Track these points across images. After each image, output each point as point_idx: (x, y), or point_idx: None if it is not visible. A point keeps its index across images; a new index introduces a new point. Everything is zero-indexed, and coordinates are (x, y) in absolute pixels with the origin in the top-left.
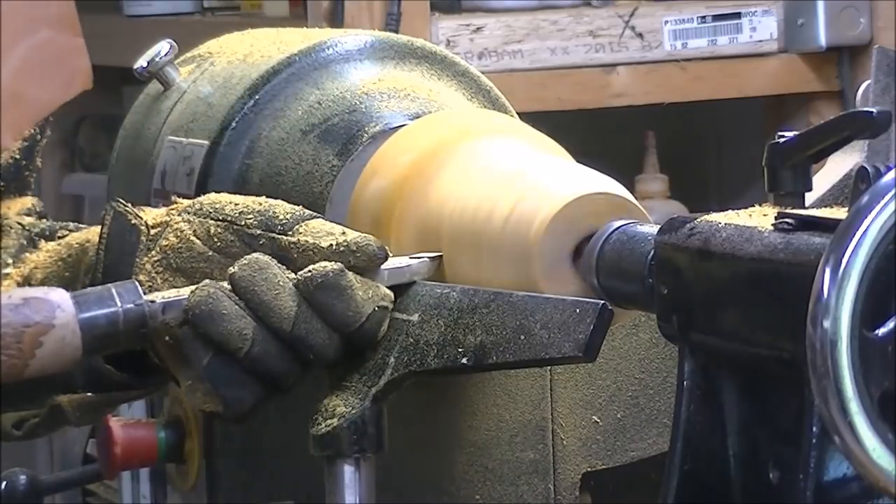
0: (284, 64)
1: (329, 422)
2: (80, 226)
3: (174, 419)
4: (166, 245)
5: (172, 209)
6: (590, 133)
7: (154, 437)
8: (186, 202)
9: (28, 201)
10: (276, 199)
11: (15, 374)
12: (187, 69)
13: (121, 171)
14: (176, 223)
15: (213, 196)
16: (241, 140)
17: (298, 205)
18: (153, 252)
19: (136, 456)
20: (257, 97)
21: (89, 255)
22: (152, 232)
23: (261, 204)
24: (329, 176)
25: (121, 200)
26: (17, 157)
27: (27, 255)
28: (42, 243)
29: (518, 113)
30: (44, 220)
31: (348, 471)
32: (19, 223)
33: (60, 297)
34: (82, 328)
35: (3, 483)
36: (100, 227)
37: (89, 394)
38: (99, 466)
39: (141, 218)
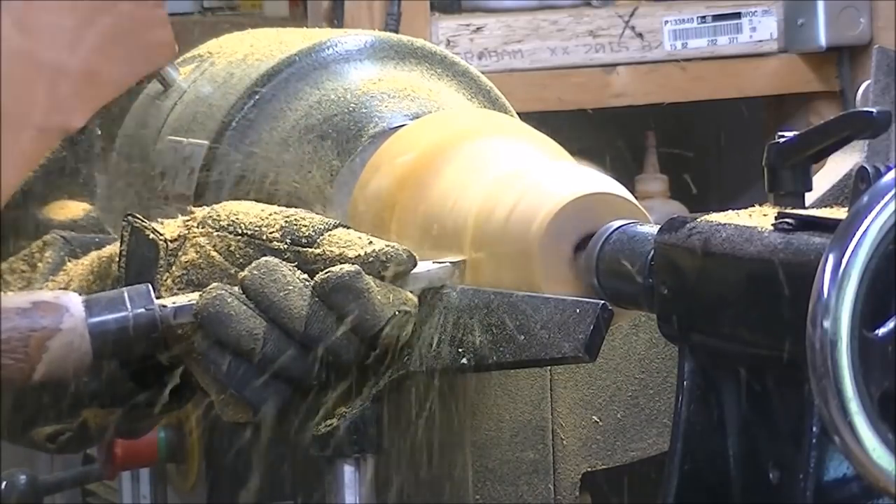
0: (284, 64)
1: (329, 422)
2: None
3: (174, 419)
4: (187, 261)
5: (189, 220)
6: (590, 133)
7: (154, 437)
8: (203, 212)
9: (79, 209)
10: (276, 199)
11: (22, 379)
12: (187, 69)
13: (121, 171)
14: (194, 237)
15: (230, 206)
16: (241, 140)
17: (299, 205)
18: (174, 268)
19: (136, 456)
20: (257, 97)
21: (114, 269)
22: (171, 246)
23: (281, 215)
24: (329, 176)
25: (137, 216)
26: (63, 154)
27: (69, 265)
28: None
29: (518, 113)
30: (91, 234)
31: (348, 471)
32: (62, 236)
33: (71, 300)
34: (92, 333)
35: (3, 483)
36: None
37: (117, 409)
38: (99, 466)
39: (159, 233)
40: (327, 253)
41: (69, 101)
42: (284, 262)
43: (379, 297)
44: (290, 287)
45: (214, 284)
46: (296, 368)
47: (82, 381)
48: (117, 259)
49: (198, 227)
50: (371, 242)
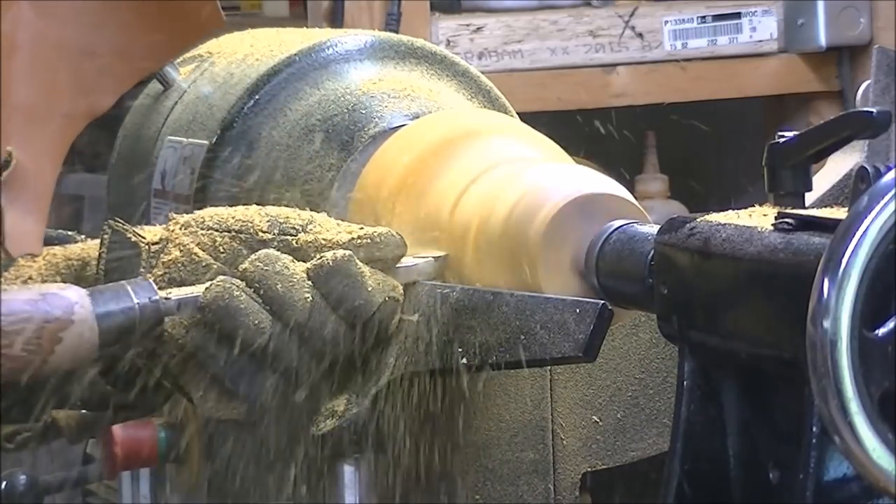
0: (284, 64)
1: (329, 422)
2: (71, 234)
3: (174, 419)
4: (169, 260)
5: (171, 225)
6: (590, 133)
7: (154, 437)
8: (185, 217)
9: None
10: (276, 199)
11: (33, 370)
12: (187, 69)
13: (121, 171)
14: (177, 237)
15: (212, 210)
16: (241, 140)
17: (299, 205)
18: (156, 269)
19: (136, 456)
20: (257, 97)
21: (88, 271)
22: (153, 249)
23: (265, 211)
24: (329, 176)
25: (118, 219)
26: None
27: (21, 261)
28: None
29: (518, 113)
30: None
31: (348, 471)
32: None
33: (77, 293)
34: (100, 324)
35: (3, 483)
36: (98, 243)
37: (85, 411)
38: (99, 466)
39: (141, 236)
40: (319, 240)
41: (96, 82)
42: (284, 254)
43: (370, 282)
44: (294, 279)
45: (221, 277)
46: (295, 362)
47: (49, 382)
48: (95, 261)
49: (180, 230)
50: (362, 228)
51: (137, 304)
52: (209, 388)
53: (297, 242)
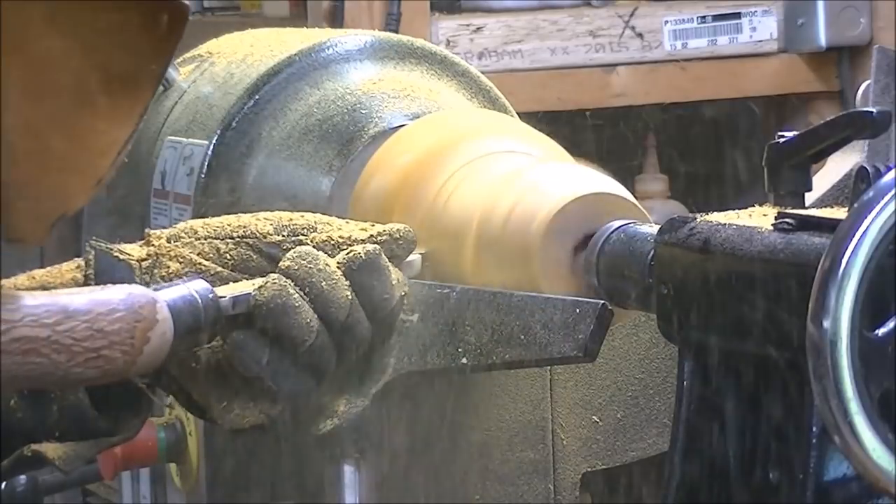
0: (284, 64)
1: (329, 422)
2: None
3: (174, 419)
4: (169, 273)
5: (152, 240)
6: (590, 133)
7: (154, 437)
8: (168, 231)
9: None
10: (275, 199)
11: (124, 372)
12: (187, 69)
13: (121, 171)
14: (170, 250)
15: (198, 221)
16: (241, 140)
17: (299, 206)
18: (153, 285)
19: (136, 456)
20: (257, 97)
21: None
22: (143, 266)
23: (262, 216)
24: (329, 176)
25: (99, 240)
26: None
27: None
28: None
29: (518, 113)
30: None
31: (348, 471)
32: None
33: (150, 290)
34: (175, 323)
35: (3, 483)
36: (57, 267)
37: (70, 442)
38: (99, 466)
39: (128, 253)
40: (334, 238)
41: None
42: (320, 252)
43: (392, 275)
44: (335, 276)
45: (273, 275)
46: (328, 358)
47: (16, 415)
48: (72, 285)
49: (169, 243)
50: (374, 225)
51: (200, 301)
52: (234, 396)
53: (310, 242)
